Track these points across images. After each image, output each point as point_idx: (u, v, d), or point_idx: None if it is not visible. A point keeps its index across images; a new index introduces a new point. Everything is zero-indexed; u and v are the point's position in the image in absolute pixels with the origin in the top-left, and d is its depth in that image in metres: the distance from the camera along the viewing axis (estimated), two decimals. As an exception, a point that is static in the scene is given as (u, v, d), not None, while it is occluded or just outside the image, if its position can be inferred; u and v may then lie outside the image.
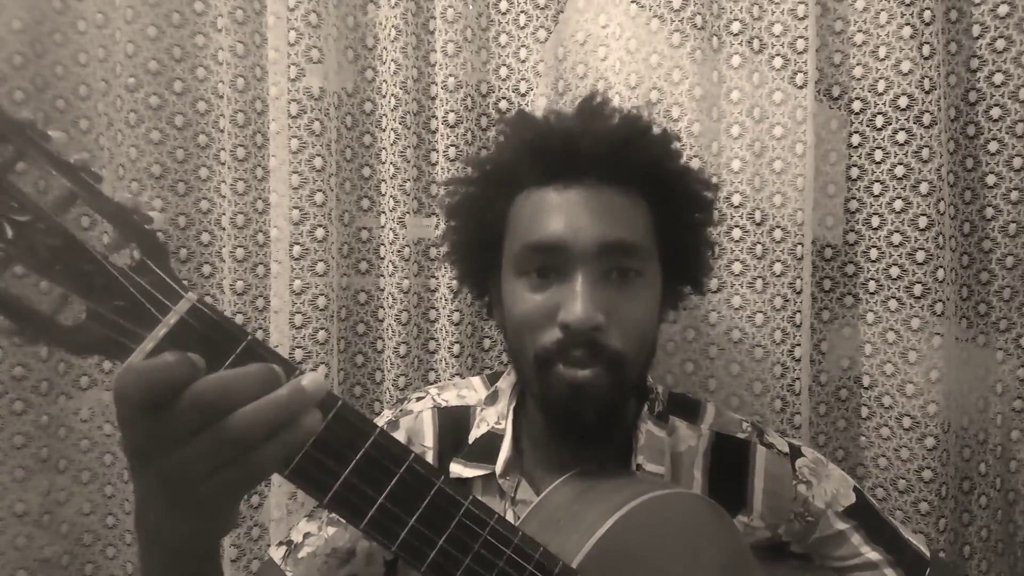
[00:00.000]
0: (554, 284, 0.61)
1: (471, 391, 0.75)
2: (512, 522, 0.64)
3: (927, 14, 0.84)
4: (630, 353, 0.61)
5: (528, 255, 0.62)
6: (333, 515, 0.67)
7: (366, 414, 1.01)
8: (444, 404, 0.73)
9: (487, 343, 0.97)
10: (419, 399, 0.74)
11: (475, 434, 0.70)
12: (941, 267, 0.86)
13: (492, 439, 0.68)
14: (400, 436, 0.70)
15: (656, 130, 0.68)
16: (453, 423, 0.71)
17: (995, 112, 0.88)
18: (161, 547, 0.41)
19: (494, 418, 0.70)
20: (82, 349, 0.37)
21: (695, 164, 0.88)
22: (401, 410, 0.74)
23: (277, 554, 0.67)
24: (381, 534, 0.42)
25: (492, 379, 0.76)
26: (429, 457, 0.70)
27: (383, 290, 0.97)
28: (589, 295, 0.58)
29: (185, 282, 0.97)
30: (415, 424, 0.72)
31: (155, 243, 0.38)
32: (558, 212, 0.62)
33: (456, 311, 0.93)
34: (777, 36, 0.88)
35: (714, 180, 0.89)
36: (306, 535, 0.67)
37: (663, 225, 0.66)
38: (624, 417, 0.69)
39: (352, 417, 0.40)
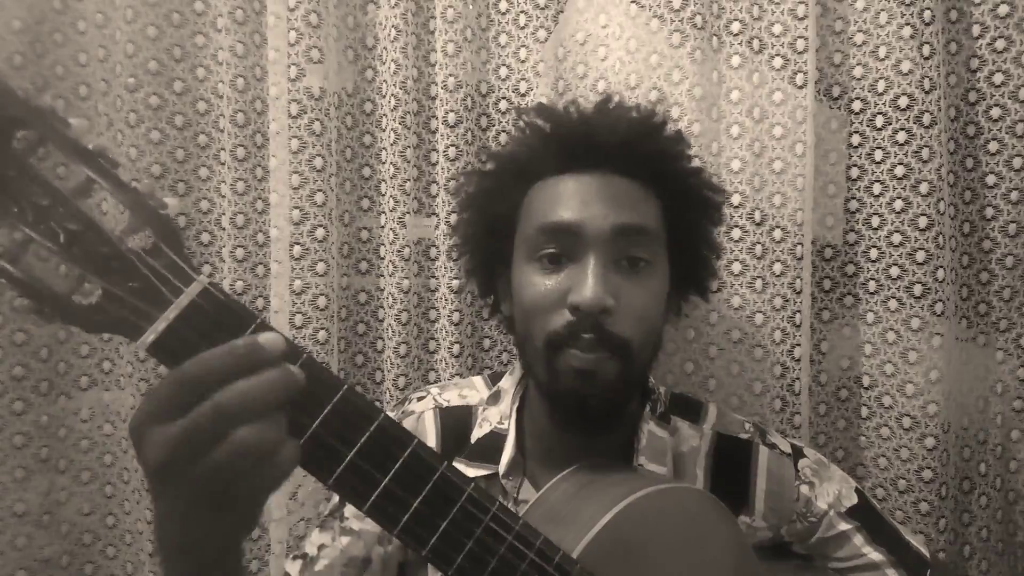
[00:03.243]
0: (565, 268, 0.62)
1: (472, 391, 0.75)
2: None
3: (927, 14, 0.84)
4: (636, 340, 0.61)
5: (541, 238, 0.63)
6: (345, 524, 0.67)
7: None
8: (446, 404, 0.73)
9: (487, 343, 0.97)
10: (420, 399, 0.74)
11: (477, 434, 0.69)
12: (941, 267, 0.86)
13: (495, 439, 0.68)
14: None
15: (671, 128, 0.70)
16: (455, 423, 0.71)
17: (995, 112, 0.88)
18: (185, 560, 0.41)
19: (496, 418, 0.70)
20: (97, 327, 0.38)
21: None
22: (403, 411, 0.74)
23: (294, 568, 0.67)
24: (384, 518, 0.42)
25: (494, 379, 0.76)
26: None
27: (383, 290, 0.97)
28: (600, 278, 0.59)
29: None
30: (417, 426, 0.72)
31: (169, 227, 0.39)
32: (573, 197, 0.63)
33: (456, 311, 0.93)
34: (777, 36, 0.88)
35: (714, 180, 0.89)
36: (320, 547, 0.67)
37: (672, 220, 0.67)
38: (627, 415, 0.68)
39: (359, 401, 0.41)
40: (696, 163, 0.73)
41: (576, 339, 0.59)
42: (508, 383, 0.73)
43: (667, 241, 0.66)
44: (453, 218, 0.92)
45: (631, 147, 0.64)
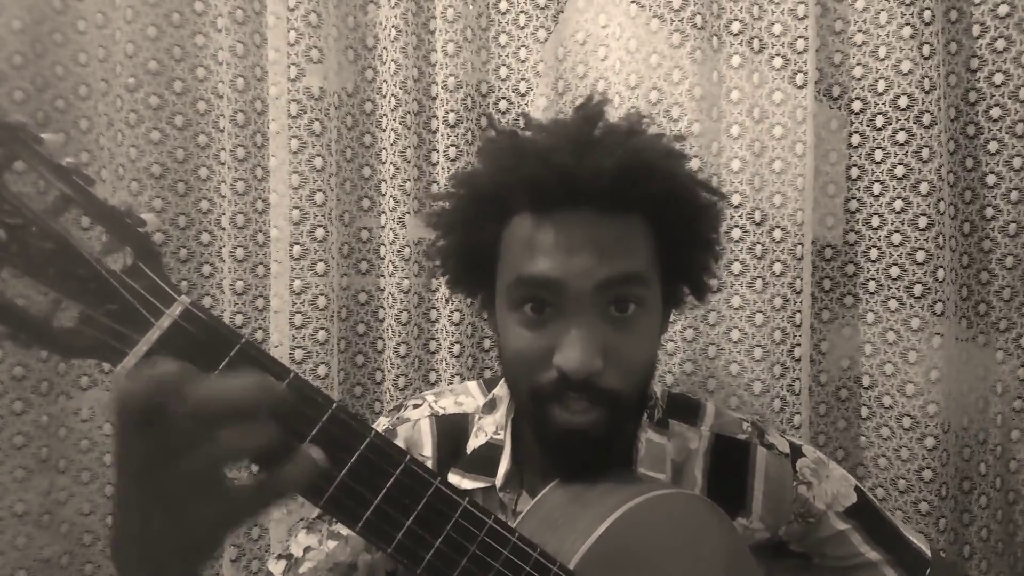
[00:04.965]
0: (550, 322, 0.57)
1: (468, 397, 0.73)
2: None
3: (927, 14, 0.84)
4: (628, 389, 0.59)
5: (521, 290, 0.59)
6: (333, 528, 0.66)
7: (366, 415, 1.02)
8: (442, 412, 0.72)
9: (487, 343, 0.97)
10: (416, 406, 0.73)
11: (473, 444, 0.68)
12: (941, 267, 0.86)
13: (491, 450, 0.67)
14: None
15: (663, 154, 0.61)
16: (451, 431, 0.70)
17: (995, 112, 0.88)
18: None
19: (492, 428, 0.69)
20: (76, 353, 0.36)
21: (695, 164, 0.87)
22: (398, 418, 0.72)
23: (277, 568, 0.66)
24: (377, 536, 0.42)
25: (489, 385, 0.74)
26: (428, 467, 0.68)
27: (383, 290, 0.97)
28: (586, 340, 0.55)
29: (183, 283, 0.98)
30: (413, 433, 0.70)
31: (148, 246, 0.38)
32: (553, 247, 0.57)
33: (456, 311, 0.93)
34: (777, 36, 0.88)
35: (714, 180, 0.89)
36: (307, 549, 0.66)
37: (667, 247, 0.62)
38: (622, 436, 0.67)
39: (348, 419, 0.40)
40: (692, 175, 0.64)
41: (562, 396, 0.57)
42: (503, 391, 0.71)
43: (661, 267, 0.62)
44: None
45: (617, 189, 0.57)
